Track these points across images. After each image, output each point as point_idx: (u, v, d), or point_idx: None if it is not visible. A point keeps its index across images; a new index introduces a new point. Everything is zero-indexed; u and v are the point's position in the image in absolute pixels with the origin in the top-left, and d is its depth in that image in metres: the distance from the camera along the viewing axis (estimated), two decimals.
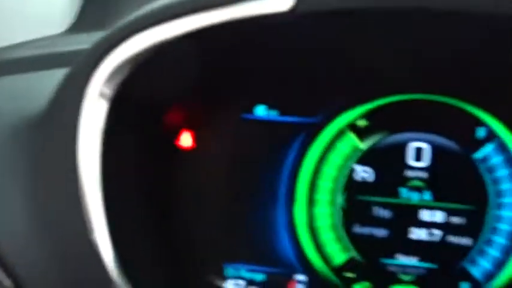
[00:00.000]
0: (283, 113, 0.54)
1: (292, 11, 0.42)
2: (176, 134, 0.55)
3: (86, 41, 0.56)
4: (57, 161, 0.47)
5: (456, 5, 0.41)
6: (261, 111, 0.55)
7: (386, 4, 0.42)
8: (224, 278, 0.55)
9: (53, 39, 0.71)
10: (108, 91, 0.47)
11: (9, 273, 0.48)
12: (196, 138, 0.55)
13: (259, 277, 0.55)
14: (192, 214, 0.54)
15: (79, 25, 0.75)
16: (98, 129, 0.46)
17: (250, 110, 0.55)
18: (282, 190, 0.55)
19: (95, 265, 0.45)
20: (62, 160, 0.47)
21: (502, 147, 0.53)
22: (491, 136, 0.53)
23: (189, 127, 0.55)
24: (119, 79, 0.47)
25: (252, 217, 0.55)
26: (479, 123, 0.53)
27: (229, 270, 0.55)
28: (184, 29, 0.45)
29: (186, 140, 0.55)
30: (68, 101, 0.47)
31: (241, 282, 0.55)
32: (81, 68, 0.47)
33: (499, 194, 0.53)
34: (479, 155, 0.53)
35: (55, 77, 0.50)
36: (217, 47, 0.49)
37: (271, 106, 0.54)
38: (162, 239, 0.53)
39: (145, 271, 0.51)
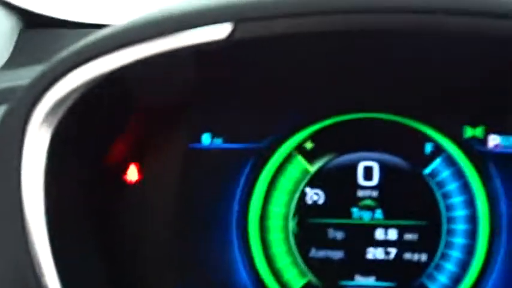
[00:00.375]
0: (228, 140, 0.54)
1: (228, 39, 0.42)
2: (123, 168, 0.54)
3: (22, 77, 0.55)
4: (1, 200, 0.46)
5: (397, 25, 0.41)
6: (206, 139, 0.54)
7: (322, 29, 0.42)
8: None
9: None
10: (49, 127, 0.46)
11: None
12: (142, 171, 0.54)
13: None
14: (141, 249, 0.53)
15: (14, 61, 0.73)
16: (41, 166, 0.45)
17: (197, 139, 0.54)
18: (234, 219, 0.54)
19: None
20: (6, 198, 0.45)
21: (449, 160, 0.53)
22: (439, 151, 0.53)
23: (135, 160, 0.54)
24: (58, 115, 0.45)
25: (205, 248, 0.54)
26: (427, 139, 0.53)
27: None
28: (120, 63, 0.44)
29: (132, 173, 0.54)
30: (8, 138, 0.46)
31: None
32: (20, 105, 0.46)
33: (450, 208, 0.53)
34: (428, 170, 0.53)
35: None
36: (156, 77, 0.49)
37: (215, 134, 0.54)
38: (110, 274, 0.51)
39: None
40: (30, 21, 0.73)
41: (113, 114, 0.50)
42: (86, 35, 0.46)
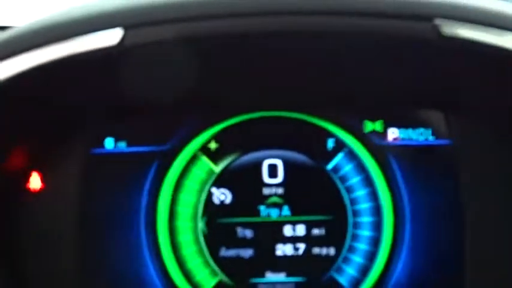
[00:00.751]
0: (132, 143, 0.53)
1: (119, 45, 0.42)
2: (25, 176, 0.53)
3: None
4: None
5: (294, 26, 0.42)
6: (109, 144, 0.53)
7: (214, 32, 0.42)
8: None
9: None
10: None
11: None
12: (45, 179, 0.53)
13: None
14: (45, 257, 0.52)
15: None
16: None
17: (100, 144, 0.53)
18: (143, 222, 0.53)
19: None
20: None
21: (351, 155, 0.54)
22: (340, 146, 0.54)
23: (37, 168, 0.52)
24: None
25: (113, 253, 0.53)
26: (328, 134, 0.54)
27: None
28: (15, 70, 0.43)
29: (35, 181, 0.53)
30: None
31: None
32: None
33: (354, 201, 0.54)
34: (331, 165, 0.54)
35: None
36: (51, 85, 0.48)
37: (119, 138, 0.53)
38: (12, 282, 0.50)
39: None
40: None
41: (9, 122, 0.49)
42: None
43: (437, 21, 0.41)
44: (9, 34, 0.44)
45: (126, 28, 0.41)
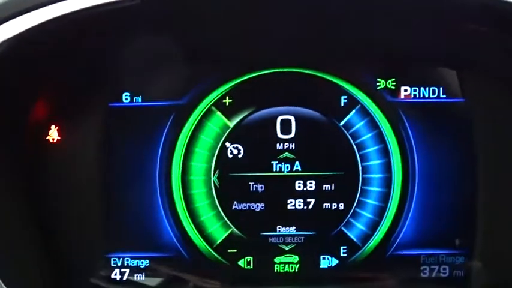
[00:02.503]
0: (147, 98, 0.54)
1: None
2: (45, 129, 0.54)
3: None
4: None
5: None
6: (126, 98, 0.55)
7: None
8: (110, 268, 0.55)
9: None
10: None
11: None
12: (63, 132, 0.54)
13: (144, 263, 0.56)
14: (64, 206, 0.54)
15: None
16: None
17: (117, 98, 0.55)
18: (157, 175, 0.55)
19: None
20: None
21: (363, 111, 0.55)
22: (353, 103, 0.55)
23: (56, 121, 0.54)
24: None
25: (130, 204, 0.55)
26: (341, 92, 0.55)
27: (114, 260, 0.55)
28: (38, 21, 0.44)
29: (53, 134, 0.54)
30: None
31: (127, 271, 0.56)
32: None
33: (365, 158, 0.55)
34: (343, 122, 0.55)
35: None
36: (71, 38, 0.49)
37: (135, 93, 0.54)
38: (34, 231, 0.52)
39: (22, 271, 0.50)
40: None
41: (30, 77, 0.50)
42: None
43: None
44: None
45: None
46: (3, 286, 0.46)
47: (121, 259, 0.56)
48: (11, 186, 0.51)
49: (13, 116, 0.51)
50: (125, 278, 0.55)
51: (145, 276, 0.55)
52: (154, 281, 0.56)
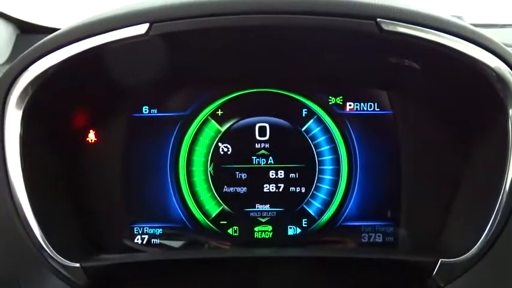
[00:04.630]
0: (161, 110, 0.74)
1: (146, 33, 0.61)
2: (84, 132, 0.73)
3: None
4: None
5: (279, 23, 0.62)
6: (145, 110, 0.74)
7: (221, 25, 0.61)
8: (133, 235, 0.75)
9: None
10: (22, 103, 0.63)
11: None
12: (98, 135, 0.73)
13: (158, 231, 0.75)
14: (98, 193, 0.73)
15: (13, 58, 0.90)
16: (17, 132, 0.64)
17: (139, 110, 0.74)
18: (168, 167, 0.74)
19: (26, 240, 0.63)
20: None
21: (319, 121, 0.74)
22: (312, 114, 0.74)
23: (93, 127, 0.73)
24: (30, 92, 0.63)
25: (147, 188, 0.74)
26: (303, 106, 0.74)
27: (136, 229, 0.75)
28: (74, 52, 0.62)
29: (91, 136, 0.73)
30: None
31: (145, 237, 0.75)
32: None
33: (320, 154, 0.74)
34: (304, 128, 0.74)
35: None
36: (102, 64, 0.67)
37: (152, 106, 0.74)
38: (76, 214, 0.71)
39: (66, 238, 0.69)
40: (24, 28, 0.90)
41: (74, 94, 0.69)
42: None
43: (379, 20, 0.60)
44: (69, 26, 0.63)
45: (151, 22, 0.61)
46: (52, 251, 0.65)
47: (141, 228, 0.75)
48: (59, 175, 0.70)
49: (60, 123, 0.70)
50: (144, 242, 0.75)
51: (160, 240, 0.75)
52: (166, 244, 0.75)
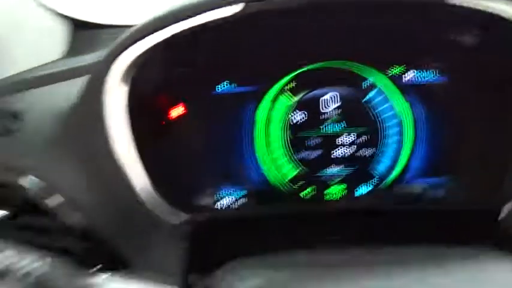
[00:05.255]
0: (240, 85, 0.82)
1: (242, 12, 0.70)
2: (173, 108, 0.82)
3: (84, 60, 0.82)
4: (92, 128, 0.73)
5: None
6: (224, 86, 0.82)
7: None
8: (220, 197, 0.83)
9: (56, 63, 0.96)
10: (126, 83, 0.73)
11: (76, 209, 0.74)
12: (187, 109, 0.82)
13: (242, 193, 0.83)
14: (189, 161, 0.81)
15: (72, 52, 1.00)
16: (122, 108, 0.73)
17: (220, 86, 0.83)
18: (248, 136, 0.83)
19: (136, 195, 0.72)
20: (95, 126, 0.73)
21: (381, 89, 0.82)
22: (374, 84, 0.83)
23: (180, 102, 0.82)
24: (134, 69, 0.73)
25: (231, 157, 0.83)
26: (365, 78, 0.83)
27: (223, 191, 0.83)
28: (173, 32, 0.71)
29: (177, 111, 0.82)
30: (94, 94, 0.73)
31: (229, 199, 0.83)
32: (102, 70, 0.73)
33: (384, 120, 0.82)
34: (369, 96, 0.82)
35: (72, 83, 0.78)
36: (193, 44, 0.76)
37: (231, 82, 0.82)
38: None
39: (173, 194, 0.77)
40: (79, 25, 1.00)
41: (163, 72, 0.78)
42: (119, 33, 0.73)
43: None
44: (162, 11, 0.72)
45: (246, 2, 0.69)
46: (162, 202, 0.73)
47: (226, 191, 0.83)
48: (155, 141, 0.79)
49: (155, 97, 0.79)
50: (229, 203, 0.83)
51: (243, 200, 0.83)
52: (249, 203, 0.83)
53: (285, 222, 0.78)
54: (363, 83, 0.83)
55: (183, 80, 0.81)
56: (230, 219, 0.79)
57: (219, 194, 0.83)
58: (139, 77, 0.73)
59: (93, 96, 0.74)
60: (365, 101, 0.82)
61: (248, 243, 0.73)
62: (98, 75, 0.73)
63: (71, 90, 0.78)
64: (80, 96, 0.74)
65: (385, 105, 0.83)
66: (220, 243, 0.74)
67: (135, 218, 0.71)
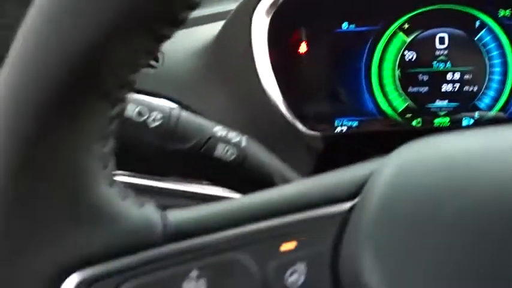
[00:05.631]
0: (358, 25, 0.92)
1: None
2: (298, 45, 0.93)
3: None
4: (240, 56, 0.86)
5: None
6: (345, 25, 0.93)
7: None
8: (335, 126, 0.95)
9: None
10: (268, 15, 0.86)
11: None
12: (308, 47, 0.93)
13: (354, 124, 0.94)
14: (310, 93, 0.93)
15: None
16: (264, 39, 0.86)
17: (340, 26, 0.93)
18: (364, 72, 0.93)
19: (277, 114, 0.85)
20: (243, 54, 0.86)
21: (490, 30, 0.90)
22: (483, 25, 0.90)
23: (304, 40, 0.93)
24: (272, 9, 0.85)
25: (348, 90, 0.94)
26: (476, 18, 0.90)
27: (337, 121, 0.95)
28: None
29: (303, 47, 0.93)
30: (243, 24, 0.86)
31: (344, 128, 0.94)
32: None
33: (490, 58, 0.90)
34: (477, 37, 0.90)
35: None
36: None
37: (351, 22, 0.92)
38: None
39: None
40: None
41: (297, 11, 0.89)
42: None
43: None
44: None
45: None
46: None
47: (341, 120, 0.95)
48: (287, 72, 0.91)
49: (284, 35, 0.91)
50: (344, 131, 0.95)
51: (356, 128, 0.95)
52: (362, 132, 0.95)
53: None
54: (473, 22, 0.91)
55: (311, 20, 0.92)
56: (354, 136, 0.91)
57: (336, 123, 0.95)
58: (277, 13, 0.86)
59: (242, 26, 0.87)
60: (474, 40, 0.90)
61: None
62: (248, 6, 0.87)
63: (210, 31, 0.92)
64: (229, 27, 0.86)
65: (492, 45, 0.90)
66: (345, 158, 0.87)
67: (275, 137, 0.85)
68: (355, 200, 0.34)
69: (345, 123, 0.94)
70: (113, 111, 0.32)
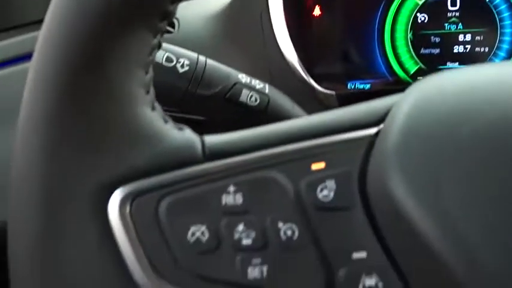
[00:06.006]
0: None
1: None
2: (312, 8, 0.95)
3: None
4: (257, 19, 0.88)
5: None
6: None
7: None
8: (347, 89, 0.97)
9: None
10: None
11: None
12: (322, 9, 0.95)
13: (366, 86, 0.96)
14: (323, 55, 0.95)
15: None
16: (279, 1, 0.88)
17: None
18: (376, 34, 0.95)
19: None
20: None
21: None
22: None
23: (319, 2, 0.95)
24: None
25: (361, 52, 0.96)
26: None
27: (350, 84, 0.96)
28: None
29: (317, 10, 0.95)
30: None
31: (356, 90, 0.96)
32: None
33: (501, 20, 0.92)
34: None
35: None
36: None
37: None
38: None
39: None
40: None
41: None
42: None
43: None
44: None
45: None
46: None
47: (354, 83, 0.97)
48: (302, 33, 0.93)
49: (297, 0, 0.93)
50: (358, 89, 0.97)
51: (369, 88, 0.97)
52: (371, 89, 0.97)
53: None
54: None
55: None
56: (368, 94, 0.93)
57: (349, 86, 0.97)
58: None
59: None
60: (485, 1, 0.92)
61: None
62: None
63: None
64: None
65: (503, 6, 0.92)
66: None
67: (291, 97, 0.87)
68: (380, 126, 0.36)
69: (357, 85, 0.96)
70: (154, 41, 0.35)
